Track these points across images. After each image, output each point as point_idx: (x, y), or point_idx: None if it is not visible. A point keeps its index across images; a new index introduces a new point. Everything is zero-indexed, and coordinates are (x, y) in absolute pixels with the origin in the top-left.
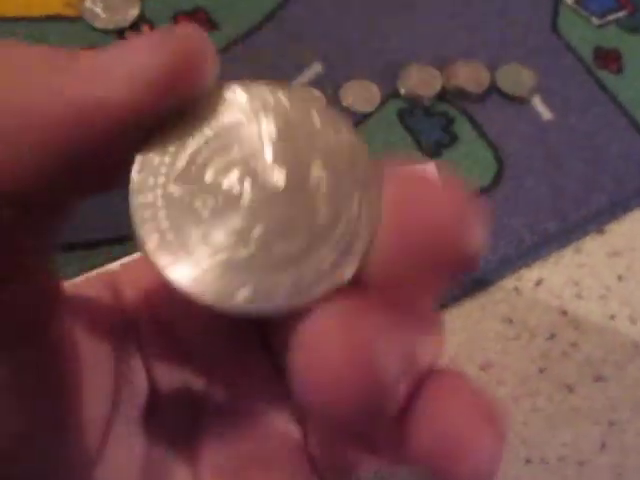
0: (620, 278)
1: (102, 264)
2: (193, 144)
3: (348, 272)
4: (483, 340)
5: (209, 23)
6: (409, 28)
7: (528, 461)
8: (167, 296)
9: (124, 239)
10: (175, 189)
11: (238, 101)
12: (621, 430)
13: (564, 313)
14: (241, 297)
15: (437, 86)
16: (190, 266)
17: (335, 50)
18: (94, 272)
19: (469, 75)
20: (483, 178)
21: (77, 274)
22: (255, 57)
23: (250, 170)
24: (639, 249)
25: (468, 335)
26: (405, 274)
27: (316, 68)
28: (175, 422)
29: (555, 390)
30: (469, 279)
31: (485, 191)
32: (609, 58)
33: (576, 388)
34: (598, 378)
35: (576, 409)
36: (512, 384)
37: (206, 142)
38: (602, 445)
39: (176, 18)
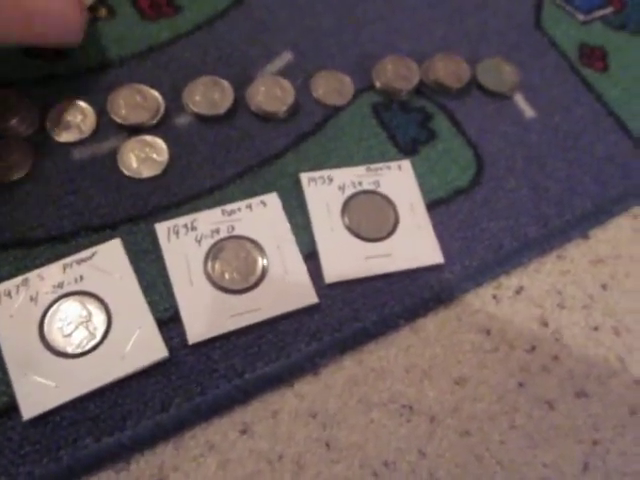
0: (604, 287)
1: (42, 264)
2: None
3: None
4: (459, 352)
5: (171, 6)
6: (385, 18)
7: None
8: None
9: (66, 237)
10: None
11: None
12: (605, 450)
13: (545, 324)
14: None
15: (415, 80)
16: None
17: (306, 38)
18: None
19: (449, 69)
20: (462, 178)
21: (14, 275)
22: (222, 43)
23: None
24: (624, 256)
25: (443, 347)
26: None
27: (286, 57)
28: None
29: (535, 406)
30: (444, 287)
31: (463, 192)
32: (594, 56)
33: (557, 404)
34: (580, 394)
35: (557, 427)
36: (489, 400)
37: None
38: (585, 466)
39: (136, 1)
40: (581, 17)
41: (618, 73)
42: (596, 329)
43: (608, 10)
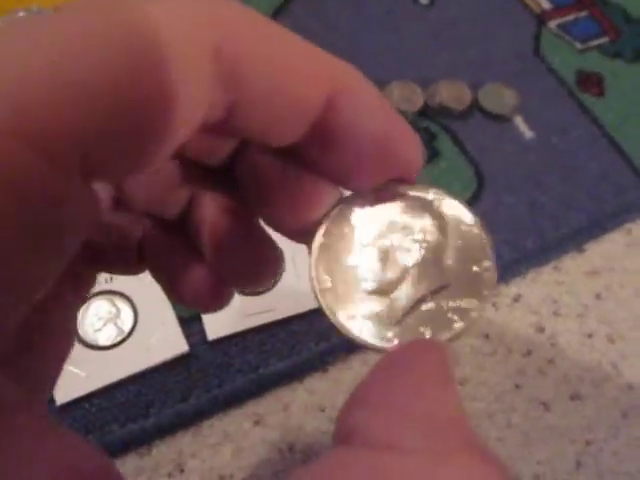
0: (598, 297)
1: None
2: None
3: None
4: (459, 355)
5: None
6: (393, 49)
7: None
8: None
9: None
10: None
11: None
12: (597, 449)
13: (541, 330)
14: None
15: (419, 102)
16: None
17: None
18: None
19: (451, 93)
20: (463, 194)
21: None
22: None
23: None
24: (618, 269)
25: None
26: None
27: None
28: None
29: (531, 407)
30: None
31: None
32: (591, 82)
33: (552, 406)
34: (575, 396)
35: (552, 427)
36: (487, 400)
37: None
38: (577, 464)
39: None
40: (578, 45)
41: (613, 98)
42: (590, 336)
43: (604, 40)
